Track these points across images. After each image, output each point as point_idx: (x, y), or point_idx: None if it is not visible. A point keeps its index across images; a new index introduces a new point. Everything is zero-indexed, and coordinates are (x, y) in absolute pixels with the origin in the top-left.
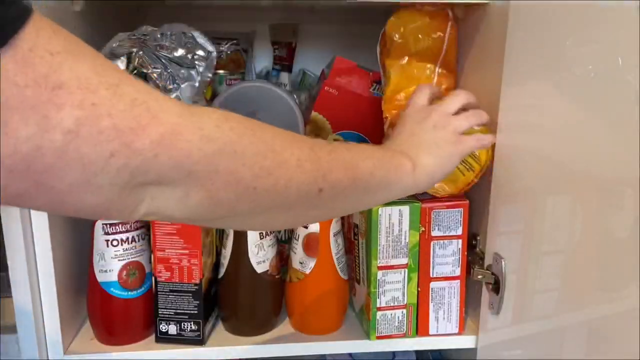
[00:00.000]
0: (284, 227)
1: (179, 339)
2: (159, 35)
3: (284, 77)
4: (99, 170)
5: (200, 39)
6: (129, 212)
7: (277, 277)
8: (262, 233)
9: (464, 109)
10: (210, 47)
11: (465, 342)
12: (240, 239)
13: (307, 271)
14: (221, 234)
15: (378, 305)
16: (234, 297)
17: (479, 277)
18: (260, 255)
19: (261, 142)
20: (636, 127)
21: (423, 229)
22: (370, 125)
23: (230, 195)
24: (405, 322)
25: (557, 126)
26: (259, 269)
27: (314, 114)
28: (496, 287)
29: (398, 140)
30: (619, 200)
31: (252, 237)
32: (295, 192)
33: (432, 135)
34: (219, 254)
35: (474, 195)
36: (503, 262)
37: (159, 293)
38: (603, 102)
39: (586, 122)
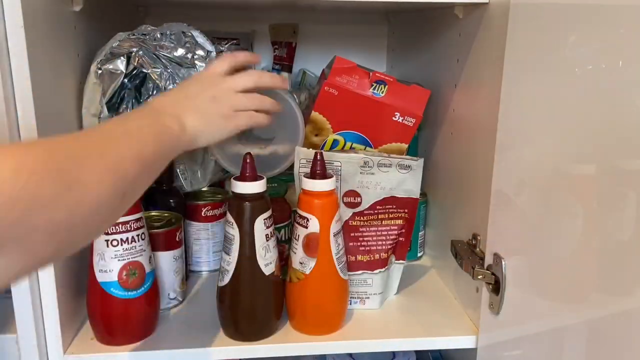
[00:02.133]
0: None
1: None
2: (158, 35)
3: (284, 77)
4: None
5: (200, 39)
6: None
7: (280, 278)
8: (268, 234)
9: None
10: (209, 47)
11: (465, 342)
12: (247, 242)
13: (307, 271)
14: (224, 238)
15: None
16: (244, 302)
17: (479, 277)
18: (267, 257)
19: (63, 176)
20: (637, 127)
21: None
22: (370, 124)
23: (52, 247)
24: None
25: (558, 126)
26: (267, 270)
27: (314, 114)
28: (496, 287)
29: (173, 97)
30: (620, 200)
31: (260, 240)
32: (105, 207)
33: (207, 106)
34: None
35: (474, 195)
36: (503, 262)
37: None
38: (604, 101)
39: (587, 122)
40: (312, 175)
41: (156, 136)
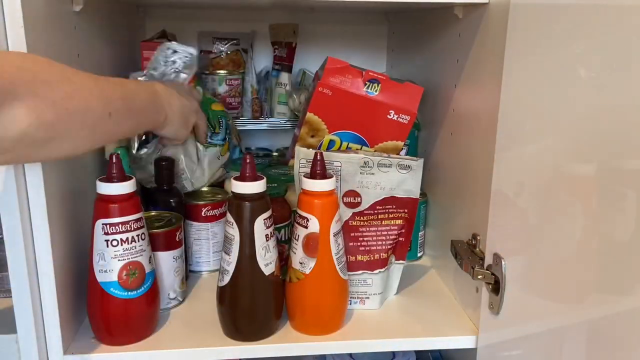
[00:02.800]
0: (89, 148)
1: None
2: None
3: (284, 77)
4: None
5: (179, 47)
6: None
7: (280, 278)
8: (268, 234)
9: None
10: (191, 50)
11: (465, 342)
12: (247, 242)
13: (307, 271)
14: (224, 238)
15: None
16: (244, 302)
17: (479, 277)
18: (267, 257)
19: (59, 73)
20: (637, 127)
21: None
22: (366, 123)
23: (50, 115)
24: None
25: (558, 126)
26: (267, 271)
27: (309, 115)
28: (496, 287)
29: (172, 97)
30: (619, 200)
31: (260, 240)
32: (95, 114)
33: (184, 116)
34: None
35: (474, 195)
36: (503, 262)
37: None
38: (604, 101)
39: (587, 122)
40: (312, 175)
41: (149, 103)
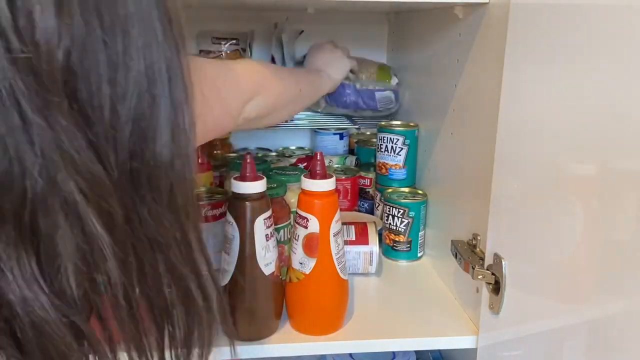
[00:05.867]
0: (290, 116)
1: None
2: None
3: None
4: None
5: None
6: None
7: (280, 278)
8: (268, 234)
9: None
10: None
11: (465, 342)
12: (247, 242)
13: (307, 271)
14: (224, 238)
15: None
16: (244, 302)
17: (479, 277)
18: (267, 257)
19: (273, 73)
20: (638, 127)
21: None
22: None
23: (272, 101)
24: None
25: (558, 126)
26: (267, 271)
27: None
28: (496, 287)
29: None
30: (620, 200)
31: (260, 240)
32: (293, 94)
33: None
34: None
35: (474, 195)
36: (503, 262)
37: None
38: (604, 101)
39: (587, 122)
40: (312, 175)
41: (317, 79)
